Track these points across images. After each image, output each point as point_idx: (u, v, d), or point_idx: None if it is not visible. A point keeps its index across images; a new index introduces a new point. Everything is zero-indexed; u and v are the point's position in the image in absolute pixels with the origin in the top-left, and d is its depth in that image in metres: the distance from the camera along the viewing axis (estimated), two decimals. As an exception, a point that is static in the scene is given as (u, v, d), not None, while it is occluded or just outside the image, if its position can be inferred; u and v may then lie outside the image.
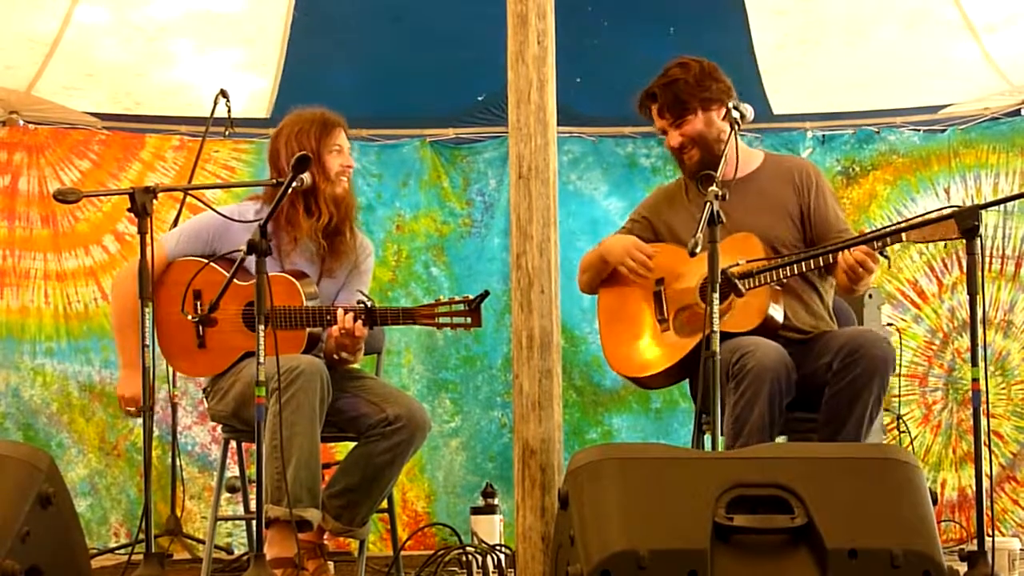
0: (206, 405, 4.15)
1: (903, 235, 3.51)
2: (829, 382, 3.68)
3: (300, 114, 4.14)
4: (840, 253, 3.64)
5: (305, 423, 3.72)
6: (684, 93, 3.97)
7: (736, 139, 3.71)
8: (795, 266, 3.71)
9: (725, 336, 3.55)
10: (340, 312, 3.84)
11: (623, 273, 4.04)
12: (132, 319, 3.88)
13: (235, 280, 3.79)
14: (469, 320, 3.81)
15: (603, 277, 4.14)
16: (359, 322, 3.82)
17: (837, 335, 3.79)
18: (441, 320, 3.82)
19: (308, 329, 3.90)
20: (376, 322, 3.84)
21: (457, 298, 3.83)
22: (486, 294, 3.82)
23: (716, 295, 3.33)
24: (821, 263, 3.71)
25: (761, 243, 3.81)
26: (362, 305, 3.82)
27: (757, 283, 3.73)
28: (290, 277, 3.94)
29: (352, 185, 4.17)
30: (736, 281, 3.57)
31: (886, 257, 3.63)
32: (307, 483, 3.74)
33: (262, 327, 3.35)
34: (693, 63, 4.01)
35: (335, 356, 3.98)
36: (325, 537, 4.04)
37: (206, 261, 3.95)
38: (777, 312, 3.80)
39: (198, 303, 3.99)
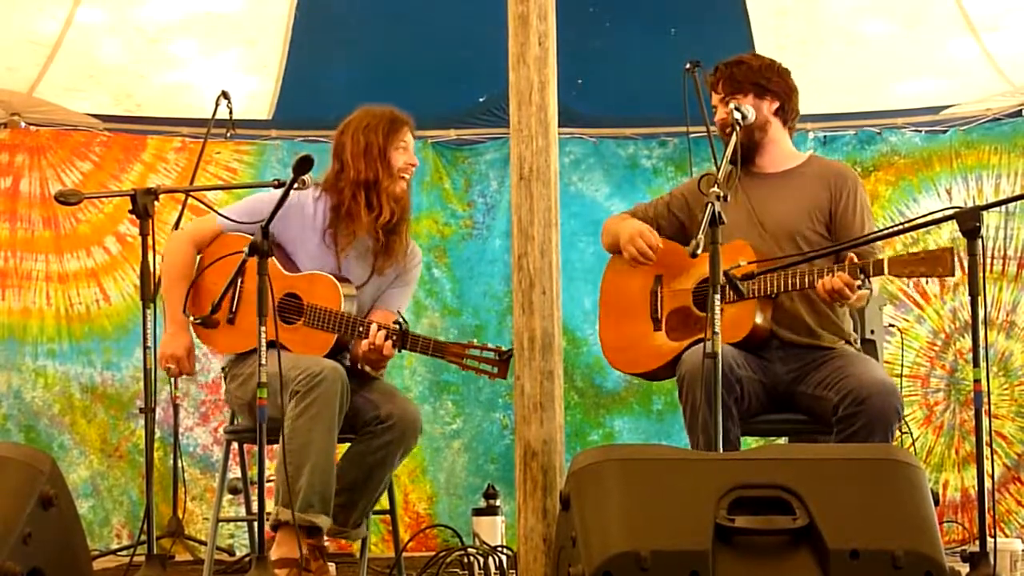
0: (224, 388, 4.15)
1: (887, 270, 3.53)
2: (834, 426, 3.70)
3: (369, 110, 4.18)
4: (819, 279, 3.65)
5: (323, 430, 3.73)
6: (741, 74, 4.02)
7: (738, 139, 3.71)
8: (788, 283, 3.71)
9: (699, 339, 3.59)
10: (374, 328, 3.85)
11: (626, 256, 4.02)
12: (180, 274, 3.99)
13: (283, 270, 3.82)
14: (496, 370, 3.84)
15: (616, 249, 4.13)
16: (389, 342, 3.82)
17: (846, 373, 3.75)
18: (468, 363, 3.83)
19: (337, 335, 3.91)
20: (406, 346, 3.85)
21: (490, 346, 3.86)
22: (511, 352, 3.84)
23: (717, 296, 3.33)
24: (807, 283, 3.70)
25: (753, 252, 3.82)
26: (397, 326, 3.82)
27: (749, 295, 3.73)
28: (334, 279, 3.95)
29: (410, 186, 4.18)
30: (738, 283, 3.57)
31: (869, 289, 3.65)
32: (320, 490, 3.75)
33: (263, 329, 3.36)
34: (767, 59, 4.08)
35: (360, 366, 3.99)
36: (325, 539, 4.05)
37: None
38: (765, 320, 3.82)
39: (240, 280, 3.97)
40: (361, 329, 3.87)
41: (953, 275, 3.38)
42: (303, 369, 3.74)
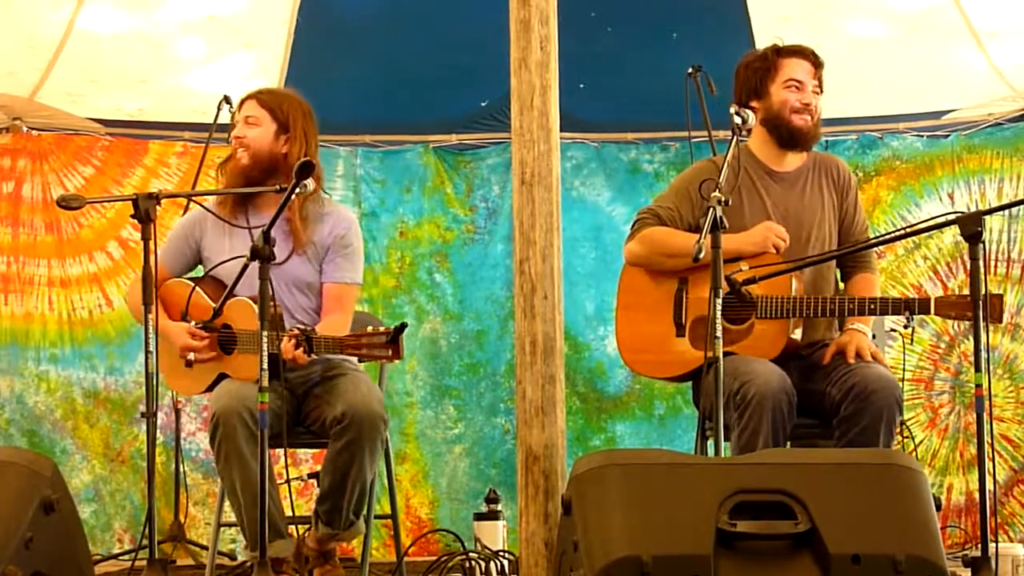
0: None
1: (933, 310, 3.58)
2: (837, 426, 3.71)
3: None
4: (836, 338, 3.81)
5: (238, 471, 3.70)
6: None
7: (736, 144, 3.71)
8: (822, 306, 3.74)
9: (729, 352, 3.56)
10: (284, 340, 3.76)
11: (773, 248, 3.84)
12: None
13: (211, 302, 3.83)
14: (389, 352, 3.63)
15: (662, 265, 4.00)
16: (300, 350, 3.74)
17: (847, 369, 3.76)
18: (364, 351, 3.67)
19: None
20: (313, 350, 3.74)
21: (381, 329, 3.67)
22: (404, 326, 3.64)
23: (719, 301, 3.34)
24: (835, 310, 3.75)
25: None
26: (299, 332, 3.73)
27: (783, 315, 3.73)
28: (250, 301, 3.87)
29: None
30: (740, 288, 3.57)
31: (910, 327, 3.67)
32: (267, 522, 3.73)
33: (264, 334, 3.36)
34: None
35: None
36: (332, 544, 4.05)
37: (192, 285, 3.99)
38: (797, 335, 3.83)
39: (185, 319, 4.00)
40: (279, 342, 3.81)
41: (1000, 322, 3.38)
42: (211, 412, 3.76)
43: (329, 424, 3.83)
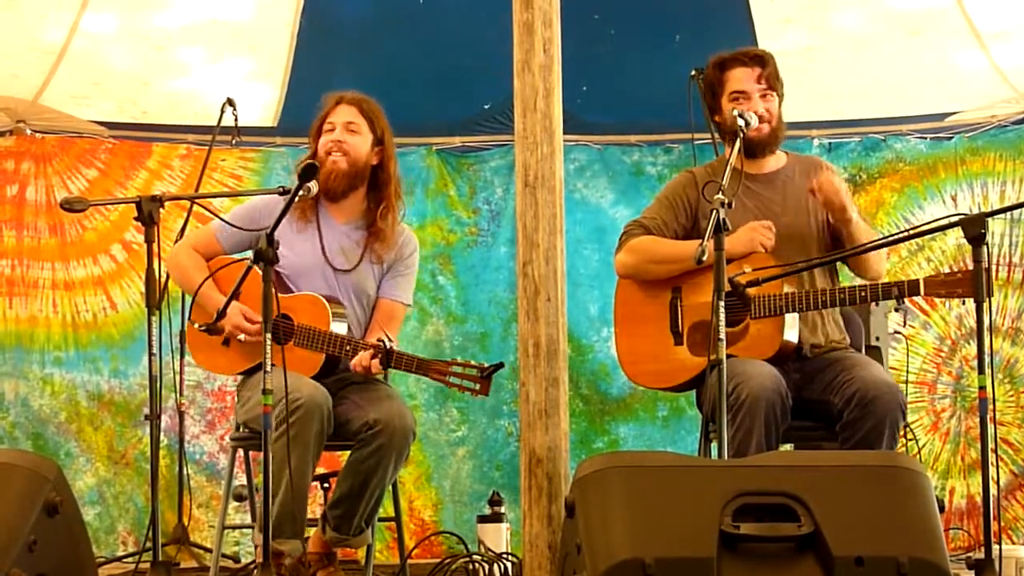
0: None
1: (923, 290, 3.56)
2: (840, 431, 3.70)
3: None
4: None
5: (295, 458, 3.71)
6: (777, 73, 3.99)
7: (741, 145, 3.71)
8: (813, 299, 3.74)
9: (728, 354, 3.56)
10: (363, 354, 3.83)
11: (763, 249, 3.84)
12: (195, 271, 4.03)
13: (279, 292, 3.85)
14: (478, 387, 3.75)
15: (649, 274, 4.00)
16: (376, 361, 3.80)
17: (849, 375, 3.75)
18: (451, 380, 3.77)
19: (326, 355, 3.90)
20: (391, 364, 3.82)
21: (473, 363, 3.78)
22: (500, 365, 3.78)
23: (722, 303, 3.34)
24: (836, 298, 3.73)
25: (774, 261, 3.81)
26: (381, 344, 3.80)
27: (776, 312, 3.73)
28: (323, 300, 3.95)
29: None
30: (744, 291, 3.57)
31: (901, 310, 3.66)
32: (290, 514, 3.75)
33: (268, 336, 3.37)
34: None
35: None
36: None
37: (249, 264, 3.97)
38: (792, 336, 3.81)
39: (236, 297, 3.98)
40: (348, 348, 3.86)
41: (991, 296, 3.37)
42: (293, 395, 3.75)
43: (358, 429, 3.85)
